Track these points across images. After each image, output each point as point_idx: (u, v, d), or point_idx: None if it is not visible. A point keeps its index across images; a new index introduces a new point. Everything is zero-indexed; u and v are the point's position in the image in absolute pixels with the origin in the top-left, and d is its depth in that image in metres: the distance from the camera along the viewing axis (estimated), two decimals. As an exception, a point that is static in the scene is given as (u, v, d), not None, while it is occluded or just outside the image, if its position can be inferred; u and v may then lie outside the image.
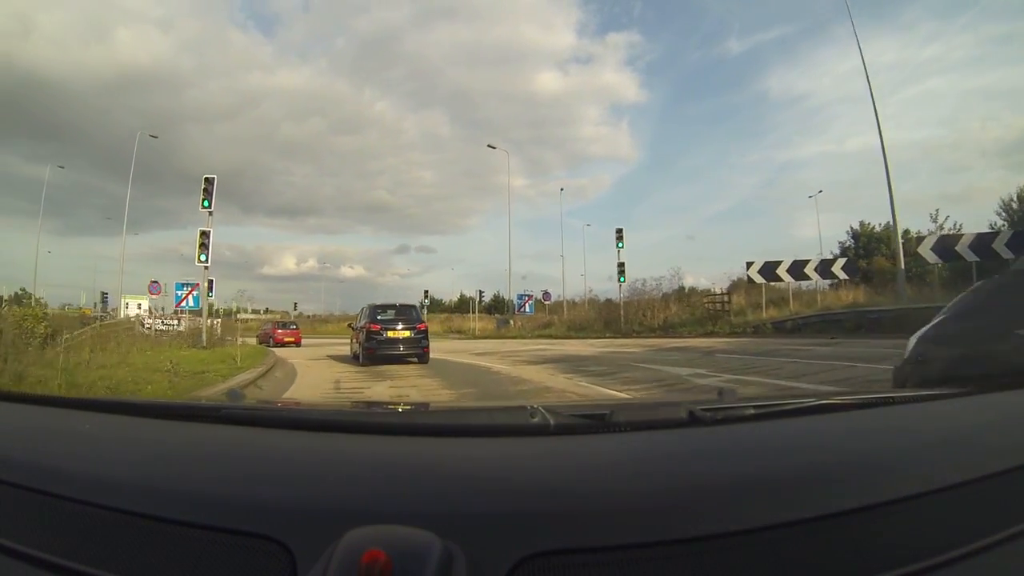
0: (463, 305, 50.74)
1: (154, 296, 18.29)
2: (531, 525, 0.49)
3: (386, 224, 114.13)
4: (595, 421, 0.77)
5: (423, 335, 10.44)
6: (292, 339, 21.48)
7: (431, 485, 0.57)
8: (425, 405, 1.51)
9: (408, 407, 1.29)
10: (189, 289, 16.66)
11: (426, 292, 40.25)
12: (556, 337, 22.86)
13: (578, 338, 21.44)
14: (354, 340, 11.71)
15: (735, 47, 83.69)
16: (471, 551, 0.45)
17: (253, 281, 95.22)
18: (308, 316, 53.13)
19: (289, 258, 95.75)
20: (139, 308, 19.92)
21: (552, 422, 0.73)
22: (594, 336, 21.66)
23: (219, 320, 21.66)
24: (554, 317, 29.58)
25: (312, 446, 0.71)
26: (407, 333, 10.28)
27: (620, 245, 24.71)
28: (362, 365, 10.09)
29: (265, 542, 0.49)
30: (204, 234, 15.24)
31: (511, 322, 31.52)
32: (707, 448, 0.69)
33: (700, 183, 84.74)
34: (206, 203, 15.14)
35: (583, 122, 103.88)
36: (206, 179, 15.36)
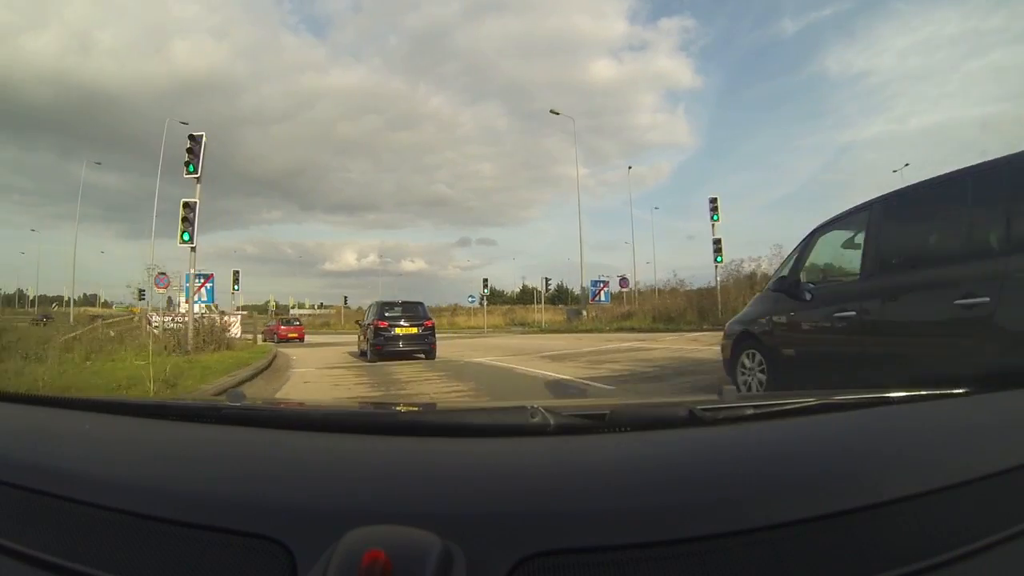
0: (526, 296, 48.60)
1: (160, 290, 12.92)
2: (531, 525, 0.49)
3: (446, 217, 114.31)
4: (595, 421, 0.77)
5: (430, 332, 10.51)
6: (295, 335, 22.81)
7: (431, 485, 0.57)
8: (425, 405, 1.41)
9: (408, 407, 1.25)
10: (202, 281, 14.05)
11: (485, 281, 37.03)
12: (640, 330, 18.85)
13: (668, 331, 17.32)
14: (362, 337, 11.63)
15: (789, 27, 79.00)
16: (471, 551, 0.45)
17: (314, 277, 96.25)
18: (364, 310, 52.09)
19: (349, 254, 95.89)
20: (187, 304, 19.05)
21: (552, 422, 0.73)
22: (688, 328, 17.64)
23: (238, 316, 19.12)
24: (633, 307, 25.05)
25: (312, 446, 0.71)
26: (414, 330, 10.32)
27: (715, 218, 19.74)
28: (371, 362, 9.97)
29: (265, 542, 0.49)
30: (188, 206, 11.22)
31: (583, 313, 26.98)
32: (707, 448, 0.69)
33: (759, 168, 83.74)
34: (191, 168, 11.36)
35: (640, 110, 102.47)
36: (191, 137, 11.46)
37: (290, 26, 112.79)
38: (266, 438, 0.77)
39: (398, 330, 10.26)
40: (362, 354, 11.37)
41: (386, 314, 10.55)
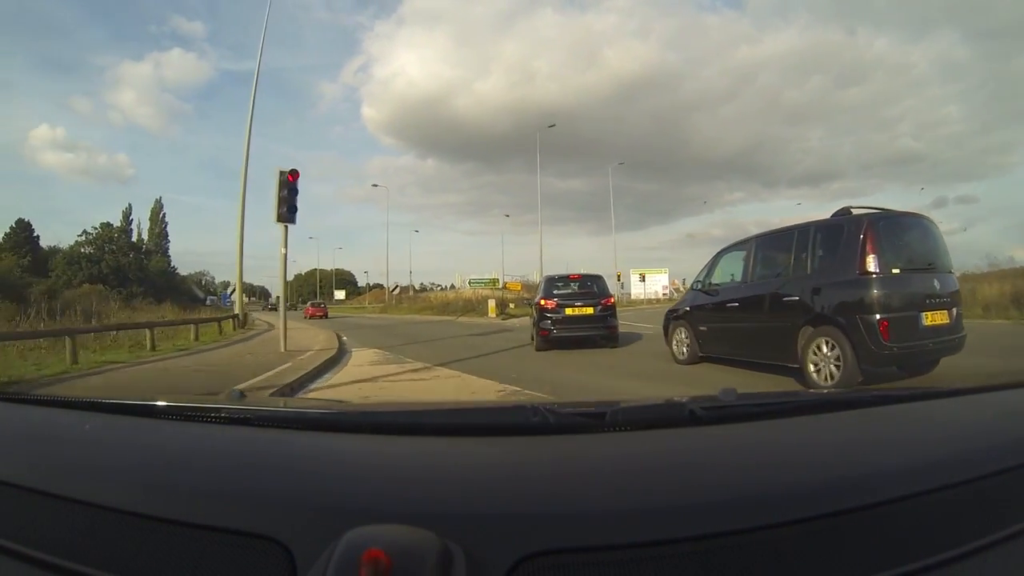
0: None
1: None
2: (531, 525, 0.49)
3: (916, 176, 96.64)
4: (595, 420, 0.77)
5: (610, 312, 8.45)
6: (320, 314, 29.71)
7: (431, 485, 0.57)
8: (425, 405, 1.44)
9: (408, 407, 1.25)
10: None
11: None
12: None
13: None
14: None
15: None
16: (471, 550, 0.45)
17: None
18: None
19: None
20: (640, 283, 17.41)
21: (552, 421, 0.73)
22: None
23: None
24: None
25: (312, 446, 0.72)
26: (589, 310, 8.34)
27: None
28: (539, 351, 8.13)
29: (265, 542, 0.49)
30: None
31: None
32: (707, 447, 0.69)
33: None
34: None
35: None
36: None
37: (705, 7, 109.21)
38: (266, 438, 0.77)
39: (569, 311, 8.22)
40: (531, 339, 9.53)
41: (554, 292, 8.53)
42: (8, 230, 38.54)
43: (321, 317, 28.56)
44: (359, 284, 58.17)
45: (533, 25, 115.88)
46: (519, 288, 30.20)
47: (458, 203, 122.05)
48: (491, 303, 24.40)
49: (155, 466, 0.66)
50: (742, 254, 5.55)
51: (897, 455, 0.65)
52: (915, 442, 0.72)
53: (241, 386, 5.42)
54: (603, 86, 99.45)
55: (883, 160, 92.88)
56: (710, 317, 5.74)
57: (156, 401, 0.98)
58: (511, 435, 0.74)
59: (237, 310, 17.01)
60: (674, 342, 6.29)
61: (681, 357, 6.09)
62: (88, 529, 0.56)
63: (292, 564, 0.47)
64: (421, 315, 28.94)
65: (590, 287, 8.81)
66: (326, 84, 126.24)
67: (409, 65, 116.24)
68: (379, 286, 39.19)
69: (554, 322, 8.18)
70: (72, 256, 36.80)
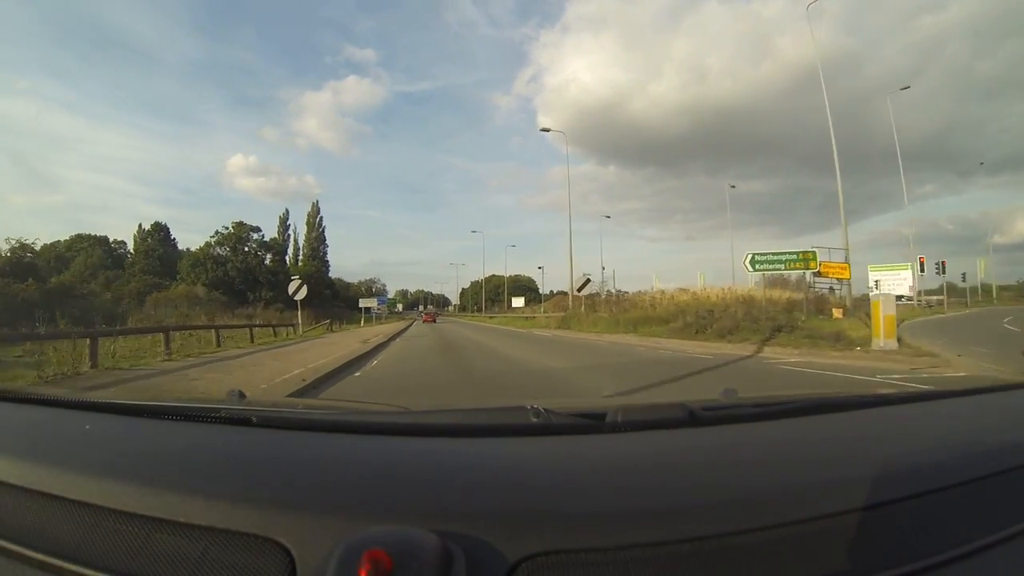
0: None
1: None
2: (531, 525, 0.49)
3: None
4: (596, 421, 0.76)
5: None
6: (430, 319, 39.01)
7: (432, 486, 0.57)
8: (426, 406, 1.33)
9: (408, 408, 1.22)
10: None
11: None
12: None
13: None
14: None
15: None
16: (471, 551, 0.45)
17: (981, 254, 77.22)
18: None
19: (1022, 221, 77.62)
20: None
21: (553, 422, 0.73)
22: None
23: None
24: None
25: (312, 446, 0.72)
26: None
27: None
28: None
29: (265, 542, 0.49)
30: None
31: None
32: (707, 448, 0.69)
33: None
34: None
35: None
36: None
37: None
38: (266, 438, 0.77)
39: None
40: None
41: None
42: (138, 231, 40.71)
43: (431, 322, 36.38)
44: (540, 291, 54.73)
45: (699, 20, 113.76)
46: (847, 274, 14.52)
47: (640, 209, 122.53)
48: (880, 306, 8.20)
49: (155, 467, 0.66)
50: None
51: (897, 455, 0.65)
52: (915, 442, 0.72)
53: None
54: (778, 79, 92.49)
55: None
56: None
57: (156, 401, 0.97)
58: (512, 436, 0.74)
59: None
60: None
61: None
62: (88, 529, 0.55)
63: (292, 564, 0.47)
64: (640, 336, 14.44)
65: None
66: (500, 96, 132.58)
67: (580, 71, 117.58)
68: (563, 294, 34.10)
69: None
70: (197, 258, 37.37)
